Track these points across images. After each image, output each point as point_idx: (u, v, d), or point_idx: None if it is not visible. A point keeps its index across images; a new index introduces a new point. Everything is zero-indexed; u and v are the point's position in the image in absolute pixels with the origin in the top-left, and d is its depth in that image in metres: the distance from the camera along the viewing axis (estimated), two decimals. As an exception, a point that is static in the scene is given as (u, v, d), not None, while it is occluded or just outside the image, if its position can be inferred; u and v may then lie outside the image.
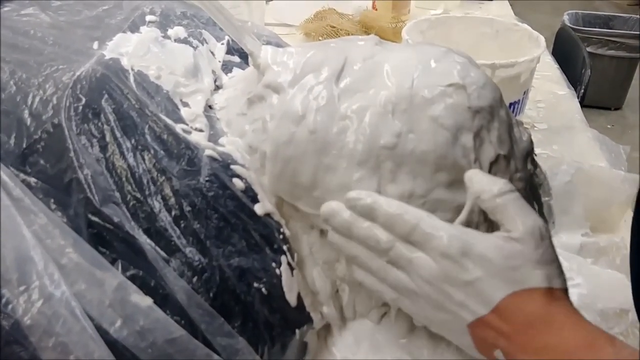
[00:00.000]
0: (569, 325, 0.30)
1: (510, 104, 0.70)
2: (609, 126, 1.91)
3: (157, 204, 0.35)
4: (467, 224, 0.35)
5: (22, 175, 0.34)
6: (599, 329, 0.30)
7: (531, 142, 0.43)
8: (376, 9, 1.00)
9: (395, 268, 0.34)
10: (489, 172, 0.38)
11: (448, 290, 0.32)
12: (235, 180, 0.38)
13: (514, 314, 0.30)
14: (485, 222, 0.36)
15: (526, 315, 0.30)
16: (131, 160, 0.35)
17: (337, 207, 0.36)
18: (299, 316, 0.38)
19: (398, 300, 0.35)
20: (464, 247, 0.32)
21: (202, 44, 0.48)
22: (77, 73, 0.38)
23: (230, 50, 0.51)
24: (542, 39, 0.72)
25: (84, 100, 0.36)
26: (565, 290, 0.32)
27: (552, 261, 0.32)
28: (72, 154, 0.34)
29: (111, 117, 0.36)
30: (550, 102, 0.83)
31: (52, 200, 0.34)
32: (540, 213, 0.44)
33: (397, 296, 0.35)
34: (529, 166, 0.43)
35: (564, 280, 0.32)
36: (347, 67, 0.39)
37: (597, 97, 1.76)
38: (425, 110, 0.37)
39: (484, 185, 0.34)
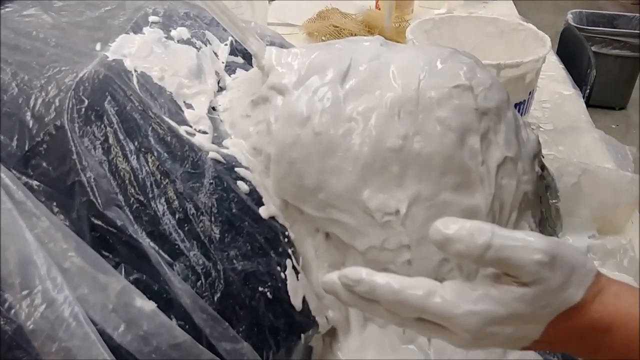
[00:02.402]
0: (618, 322, 0.28)
1: (516, 105, 0.69)
2: (613, 126, 1.89)
3: (160, 207, 0.34)
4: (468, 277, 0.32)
5: (24, 178, 0.34)
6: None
7: (539, 143, 0.43)
8: (379, 9, 1.00)
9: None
10: (496, 174, 0.38)
11: (487, 343, 0.29)
12: (240, 183, 0.38)
13: (558, 337, 0.29)
14: None
15: (571, 334, 0.29)
16: (134, 162, 0.35)
17: (334, 286, 0.30)
18: (304, 320, 0.38)
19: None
20: (484, 320, 0.28)
21: (206, 45, 0.48)
22: (80, 75, 0.37)
23: (233, 51, 0.51)
24: (547, 38, 0.71)
25: (86, 102, 0.36)
26: (596, 275, 0.29)
27: (573, 268, 0.28)
28: (74, 156, 0.34)
29: (114, 119, 0.36)
30: (555, 103, 0.82)
31: (55, 204, 0.33)
32: (548, 216, 0.44)
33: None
34: (537, 168, 0.42)
35: (590, 266, 0.29)
36: (353, 68, 0.39)
37: (601, 96, 1.75)
38: (432, 112, 0.37)
39: (465, 248, 0.27)
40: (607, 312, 0.29)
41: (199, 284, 0.33)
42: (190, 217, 0.35)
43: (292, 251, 0.38)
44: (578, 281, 0.29)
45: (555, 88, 0.85)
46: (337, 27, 0.87)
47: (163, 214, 0.34)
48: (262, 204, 0.38)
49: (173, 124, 0.38)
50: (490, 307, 0.28)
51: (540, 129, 0.76)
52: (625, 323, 0.28)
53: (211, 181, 0.36)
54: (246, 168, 0.39)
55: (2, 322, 0.28)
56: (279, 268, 0.37)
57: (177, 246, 0.33)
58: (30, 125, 0.35)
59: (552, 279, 0.28)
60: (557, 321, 0.29)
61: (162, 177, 0.35)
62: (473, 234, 0.27)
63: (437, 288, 0.29)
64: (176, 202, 0.35)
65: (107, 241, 0.32)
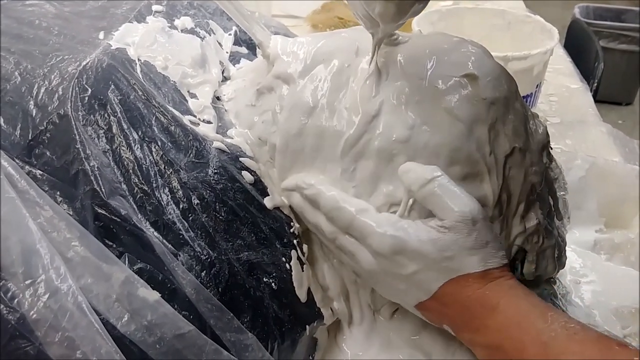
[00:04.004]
0: (502, 305, 0.31)
1: (523, 97, 0.68)
2: (620, 121, 1.88)
3: (164, 197, 0.34)
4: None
5: (27, 167, 0.33)
6: (535, 303, 0.31)
7: (547, 134, 0.42)
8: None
9: (344, 254, 0.36)
10: (504, 165, 0.37)
11: (389, 281, 0.33)
12: (245, 173, 0.38)
13: (451, 299, 0.32)
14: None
15: (463, 300, 0.31)
16: (138, 152, 0.35)
17: (292, 187, 0.37)
18: (309, 312, 0.37)
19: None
20: (395, 246, 0.32)
21: (210, 35, 0.47)
22: (83, 63, 0.37)
23: (237, 41, 0.50)
24: (555, 31, 0.70)
25: (90, 91, 0.36)
26: (504, 267, 0.33)
27: (487, 243, 0.32)
28: (78, 145, 0.33)
29: (118, 108, 0.36)
30: (562, 96, 0.81)
31: (58, 193, 0.33)
32: (556, 208, 0.43)
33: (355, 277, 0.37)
34: (545, 159, 0.42)
35: (503, 256, 0.33)
36: (359, 57, 0.38)
37: (608, 91, 1.74)
38: (439, 102, 0.36)
39: (413, 177, 0.33)
40: (498, 292, 0.31)
41: (203, 274, 0.33)
42: (195, 207, 0.34)
43: (297, 242, 0.38)
44: (485, 256, 0.32)
45: (563, 81, 0.85)
46: (342, 19, 0.87)
47: (167, 204, 0.34)
48: (267, 194, 0.38)
49: (177, 113, 0.38)
50: (405, 237, 0.32)
51: (548, 122, 0.75)
52: (509, 306, 0.31)
53: (216, 171, 0.36)
54: (251, 158, 0.39)
55: (5, 312, 0.28)
56: (284, 259, 0.37)
57: (181, 236, 0.33)
58: (34, 114, 0.35)
59: (465, 237, 0.31)
60: (452, 283, 0.31)
61: (166, 167, 0.35)
62: (425, 169, 0.33)
63: (369, 209, 0.34)
64: (180, 192, 0.34)
65: (110, 230, 0.32)
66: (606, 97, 1.82)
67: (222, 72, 0.46)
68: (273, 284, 0.36)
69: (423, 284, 0.32)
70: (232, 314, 0.32)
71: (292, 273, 0.37)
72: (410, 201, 0.34)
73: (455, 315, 0.32)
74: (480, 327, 0.31)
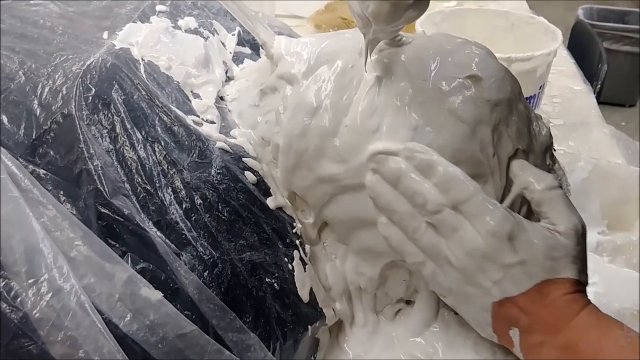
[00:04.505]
0: (586, 310, 0.32)
1: (526, 99, 0.68)
2: (623, 123, 1.87)
3: (167, 197, 0.34)
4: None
5: (31, 167, 0.34)
6: (611, 317, 0.33)
7: (550, 136, 0.42)
8: None
9: (435, 232, 0.34)
10: (507, 166, 0.37)
11: (486, 267, 0.32)
12: (247, 173, 0.38)
13: (543, 297, 0.32)
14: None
15: (554, 301, 0.32)
16: (141, 152, 0.35)
17: (396, 150, 0.35)
18: (311, 312, 0.37)
19: (422, 264, 0.34)
20: (513, 230, 0.32)
21: (213, 35, 0.47)
22: (87, 63, 0.37)
23: (241, 42, 0.50)
24: (558, 32, 0.70)
25: (94, 90, 0.36)
26: (585, 285, 0.34)
27: (584, 259, 0.34)
28: (82, 144, 0.33)
29: (121, 108, 0.36)
30: (566, 98, 0.81)
31: (62, 192, 0.33)
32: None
33: (424, 260, 0.34)
34: (548, 161, 0.42)
35: (587, 277, 0.34)
36: (362, 58, 0.38)
37: (611, 93, 1.73)
38: (443, 103, 0.36)
39: (533, 177, 0.35)
40: (584, 301, 0.32)
41: (205, 274, 0.33)
42: (197, 206, 0.34)
43: (300, 242, 0.38)
44: (583, 269, 0.33)
45: (566, 83, 0.84)
46: (346, 19, 0.87)
47: (170, 204, 0.34)
48: (270, 195, 0.38)
49: (180, 113, 0.38)
50: (522, 224, 0.32)
51: (551, 123, 0.75)
52: (592, 312, 0.32)
53: (219, 171, 0.36)
54: (254, 158, 0.39)
55: (8, 310, 0.28)
56: (286, 259, 0.37)
57: (184, 236, 0.33)
58: (38, 113, 0.35)
59: (573, 246, 0.33)
60: (551, 283, 0.32)
61: (169, 167, 0.35)
62: (547, 174, 0.35)
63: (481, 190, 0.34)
64: (183, 192, 0.34)
65: (113, 230, 0.32)
66: (609, 98, 1.82)
67: (226, 72, 0.46)
68: (275, 284, 0.36)
69: (521, 277, 0.32)
70: (234, 314, 0.32)
71: (295, 273, 0.37)
72: (512, 196, 0.35)
73: (543, 314, 0.32)
74: (563, 328, 0.31)
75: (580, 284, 0.33)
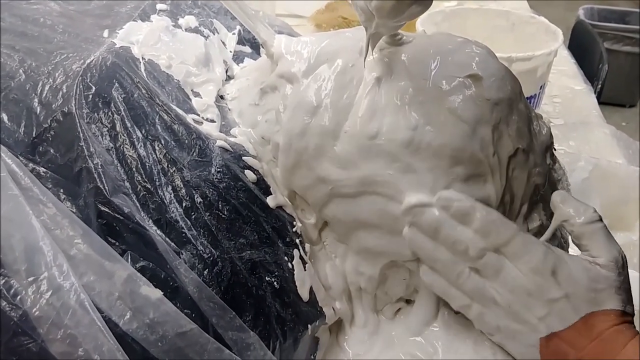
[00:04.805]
0: (632, 344, 0.32)
1: (527, 98, 0.68)
2: (623, 123, 1.87)
3: (167, 195, 0.34)
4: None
5: (31, 165, 0.34)
6: None
7: (551, 135, 0.42)
8: None
9: (478, 275, 0.34)
10: (508, 166, 0.37)
11: (532, 304, 0.33)
12: (247, 172, 0.38)
13: (589, 330, 0.32)
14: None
15: (601, 333, 0.32)
16: (141, 150, 0.35)
17: (427, 202, 0.35)
18: (311, 311, 0.37)
19: (468, 307, 0.35)
20: (555, 265, 0.33)
21: (214, 34, 0.47)
22: (88, 61, 0.37)
23: (241, 41, 0.50)
24: (559, 32, 0.70)
25: (94, 88, 0.36)
26: (632, 316, 0.34)
27: (628, 289, 0.34)
28: (82, 143, 0.33)
29: (121, 107, 0.36)
30: (566, 97, 0.81)
31: (62, 190, 0.33)
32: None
33: (470, 303, 0.35)
34: (548, 161, 0.42)
35: (633, 307, 0.34)
36: (362, 57, 0.38)
37: (612, 93, 1.73)
38: (443, 102, 0.36)
39: (574, 210, 0.35)
40: (631, 333, 0.32)
41: (205, 272, 0.33)
42: (197, 205, 0.34)
43: (300, 241, 0.38)
44: (626, 299, 0.33)
45: (567, 83, 0.84)
46: (346, 18, 0.87)
47: (170, 202, 0.34)
48: (270, 194, 0.38)
49: (180, 112, 0.38)
50: (563, 258, 0.33)
51: (551, 123, 0.75)
52: (636, 346, 0.32)
53: (219, 169, 0.36)
54: (254, 157, 0.39)
55: (8, 308, 0.28)
56: (286, 258, 0.37)
57: (184, 234, 0.33)
58: (38, 111, 0.35)
59: (615, 277, 0.33)
60: (597, 315, 0.32)
61: (169, 165, 0.35)
62: (587, 206, 0.35)
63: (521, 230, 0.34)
64: (183, 190, 0.34)
65: (113, 228, 0.32)
66: (610, 98, 1.82)
67: (226, 71, 0.46)
68: (275, 283, 0.36)
69: (566, 311, 0.33)
70: (234, 313, 0.32)
71: (294, 272, 0.37)
72: (552, 229, 0.36)
73: (591, 347, 0.32)
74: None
75: (626, 314, 0.33)
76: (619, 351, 0.32)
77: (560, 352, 0.33)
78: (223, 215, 0.35)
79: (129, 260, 0.31)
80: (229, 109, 0.43)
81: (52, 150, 0.34)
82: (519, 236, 0.34)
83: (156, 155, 0.35)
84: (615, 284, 0.33)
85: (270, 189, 0.39)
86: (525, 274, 0.33)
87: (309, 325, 0.37)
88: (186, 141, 0.36)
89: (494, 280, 0.34)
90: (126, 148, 0.34)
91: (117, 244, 0.32)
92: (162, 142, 0.36)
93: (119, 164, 0.34)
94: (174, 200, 0.34)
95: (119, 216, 0.32)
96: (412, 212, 0.35)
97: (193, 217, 0.34)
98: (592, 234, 0.34)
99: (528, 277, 0.33)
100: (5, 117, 0.35)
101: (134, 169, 0.34)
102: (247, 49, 0.51)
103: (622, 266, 0.34)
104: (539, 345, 0.33)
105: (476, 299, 0.35)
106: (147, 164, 0.34)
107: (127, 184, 0.33)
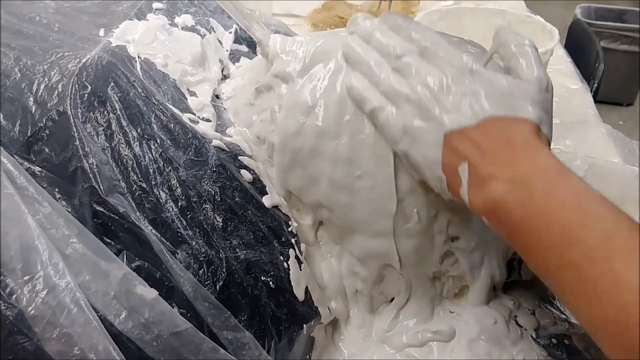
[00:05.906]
0: (545, 154, 0.30)
1: (523, 98, 0.68)
2: (620, 122, 1.88)
3: (163, 195, 0.34)
4: None
5: (26, 164, 0.34)
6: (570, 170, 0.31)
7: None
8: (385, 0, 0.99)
9: (398, 75, 0.34)
10: None
11: (442, 97, 0.32)
12: (243, 172, 0.38)
13: (497, 132, 0.31)
14: None
15: (508, 137, 0.31)
16: (137, 149, 0.35)
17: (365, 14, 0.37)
18: (307, 311, 0.37)
19: (380, 110, 0.35)
20: (475, 66, 0.32)
21: (210, 33, 0.47)
22: (83, 60, 0.37)
23: (237, 40, 0.50)
24: (555, 31, 0.70)
25: (89, 88, 0.36)
26: (548, 143, 0.33)
27: (548, 113, 0.33)
28: (77, 142, 0.33)
29: (117, 106, 0.36)
30: (562, 96, 0.81)
31: (57, 190, 0.33)
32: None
33: (384, 105, 0.35)
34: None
35: (551, 133, 0.33)
36: (358, 56, 0.38)
37: (609, 92, 1.73)
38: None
39: (512, 37, 0.35)
40: (544, 146, 0.31)
41: (201, 272, 0.33)
42: (193, 204, 0.34)
43: (295, 241, 0.38)
44: (543, 119, 0.32)
45: (563, 82, 0.84)
46: (342, 18, 0.87)
47: (165, 202, 0.34)
48: (266, 193, 0.38)
49: (176, 111, 0.38)
50: (486, 66, 0.33)
51: (547, 122, 0.75)
52: (551, 157, 0.30)
53: (214, 169, 0.36)
54: (250, 157, 0.39)
55: (3, 307, 0.28)
56: (282, 258, 0.37)
57: (179, 234, 0.33)
58: (33, 110, 0.35)
59: (536, 92, 0.32)
60: (506, 119, 0.31)
61: (165, 165, 0.35)
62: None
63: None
64: (179, 190, 0.34)
65: (109, 228, 0.32)
66: (606, 97, 1.82)
67: (222, 70, 0.46)
68: (271, 283, 0.36)
69: (477, 106, 0.31)
70: (229, 312, 0.32)
71: (290, 272, 0.37)
72: (489, 54, 0.36)
73: (493, 147, 0.31)
74: (515, 161, 0.30)
75: (540, 131, 0.32)
76: (526, 156, 0.30)
77: (462, 150, 0.31)
78: (219, 215, 0.35)
79: (125, 259, 0.31)
80: (225, 109, 0.43)
81: (47, 150, 0.34)
82: (443, 42, 0.34)
83: (152, 154, 0.35)
84: (534, 96, 0.32)
85: (266, 188, 0.39)
86: (442, 70, 0.33)
87: (305, 325, 0.37)
88: (182, 140, 0.36)
89: (411, 78, 0.34)
90: (122, 147, 0.34)
91: (112, 243, 0.32)
92: (158, 141, 0.36)
93: (114, 164, 0.34)
94: (170, 200, 0.34)
95: (114, 216, 0.32)
96: (354, 23, 0.38)
97: (189, 216, 0.34)
98: (521, 55, 0.34)
99: (444, 71, 0.33)
100: (0, 116, 0.35)
101: (129, 168, 0.34)
102: (244, 48, 0.51)
103: (545, 88, 0.33)
104: (443, 143, 0.32)
105: (390, 97, 0.34)
106: (142, 163, 0.34)
107: (122, 183, 0.33)
